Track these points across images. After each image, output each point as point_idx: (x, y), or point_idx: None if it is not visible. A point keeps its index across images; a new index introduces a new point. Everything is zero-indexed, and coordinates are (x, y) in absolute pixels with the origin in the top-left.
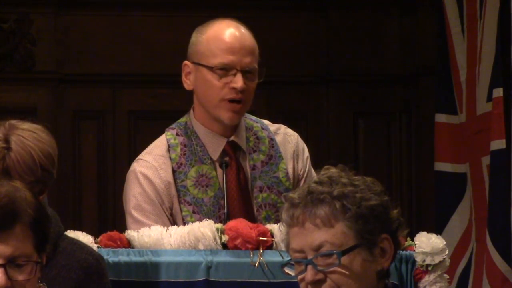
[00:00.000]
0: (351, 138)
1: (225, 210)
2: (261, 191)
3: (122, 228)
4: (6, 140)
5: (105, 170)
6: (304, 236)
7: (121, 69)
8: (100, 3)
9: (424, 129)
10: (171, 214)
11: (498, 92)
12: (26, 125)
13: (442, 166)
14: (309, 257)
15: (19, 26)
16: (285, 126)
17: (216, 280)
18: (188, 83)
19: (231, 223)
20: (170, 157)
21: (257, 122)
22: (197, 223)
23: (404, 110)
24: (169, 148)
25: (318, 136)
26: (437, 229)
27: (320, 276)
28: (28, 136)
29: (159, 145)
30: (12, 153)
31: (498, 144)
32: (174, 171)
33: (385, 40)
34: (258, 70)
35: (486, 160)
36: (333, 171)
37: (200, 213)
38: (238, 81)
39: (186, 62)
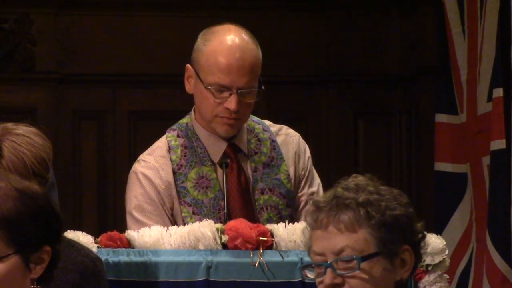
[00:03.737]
0: (351, 138)
1: (225, 210)
2: (262, 193)
3: (122, 228)
4: None
5: (105, 170)
6: (327, 239)
7: (121, 69)
8: (100, 3)
9: (424, 129)
10: (172, 215)
11: (498, 92)
12: (20, 129)
13: (442, 166)
14: (330, 260)
15: (19, 26)
16: (286, 127)
17: (216, 280)
18: (188, 86)
19: (231, 223)
20: (170, 158)
21: (258, 124)
22: (197, 223)
23: (404, 110)
24: (170, 149)
25: (318, 136)
26: (437, 229)
27: (338, 280)
28: (21, 142)
29: (160, 146)
30: (4, 160)
31: (498, 144)
32: (174, 173)
33: (385, 40)
34: (257, 88)
35: (486, 160)
36: (360, 178)
37: (200, 214)
38: (232, 103)
39: (188, 65)
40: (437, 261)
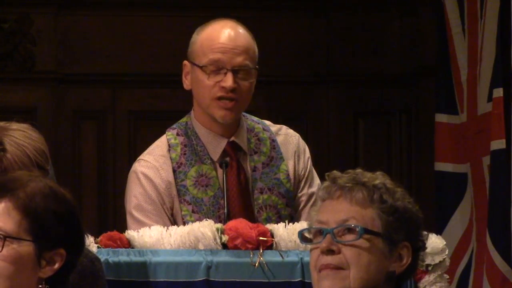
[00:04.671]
0: (351, 138)
1: (225, 210)
2: (261, 192)
3: (122, 228)
4: (0, 142)
5: (105, 170)
6: (334, 209)
7: (121, 69)
8: (100, 3)
9: (424, 129)
10: (172, 214)
11: (498, 92)
12: (14, 125)
13: (442, 166)
14: (332, 227)
15: (19, 26)
16: (286, 127)
17: (216, 280)
18: (186, 83)
19: (231, 223)
20: (170, 157)
21: (258, 123)
22: (197, 223)
23: (404, 110)
24: (170, 148)
25: (318, 136)
26: (437, 229)
27: (334, 247)
28: (20, 136)
29: (159, 145)
30: (8, 154)
31: (498, 144)
32: (174, 171)
33: (385, 40)
34: (252, 68)
35: (486, 160)
36: (378, 173)
37: (199, 213)
38: (228, 80)
39: (185, 62)
40: (437, 261)
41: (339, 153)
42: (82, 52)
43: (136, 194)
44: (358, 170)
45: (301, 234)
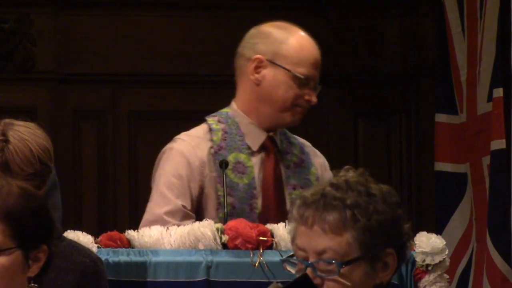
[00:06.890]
0: (351, 138)
1: (225, 210)
2: (294, 188)
3: (122, 228)
4: (4, 134)
5: (105, 170)
6: (310, 238)
7: (121, 69)
8: (100, 3)
9: (424, 129)
10: (200, 194)
11: (498, 92)
12: (21, 123)
13: (442, 166)
14: (311, 259)
15: (19, 26)
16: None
17: (216, 280)
18: (256, 76)
19: (231, 223)
20: (211, 139)
21: (288, 132)
22: (197, 223)
23: (404, 110)
24: (211, 131)
25: (318, 136)
26: (437, 229)
27: (318, 280)
28: (25, 131)
29: (198, 129)
30: (10, 145)
31: (498, 144)
32: (214, 153)
33: (385, 40)
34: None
35: (486, 160)
36: (351, 175)
37: (234, 197)
38: (314, 96)
39: (259, 56)
40: (437, 261)
41: (339, 153)
42: (82, 52)
43: (165, 167)
44: (328, 188)
45: (282, 263)
